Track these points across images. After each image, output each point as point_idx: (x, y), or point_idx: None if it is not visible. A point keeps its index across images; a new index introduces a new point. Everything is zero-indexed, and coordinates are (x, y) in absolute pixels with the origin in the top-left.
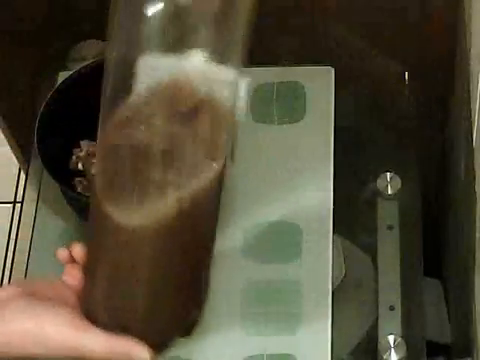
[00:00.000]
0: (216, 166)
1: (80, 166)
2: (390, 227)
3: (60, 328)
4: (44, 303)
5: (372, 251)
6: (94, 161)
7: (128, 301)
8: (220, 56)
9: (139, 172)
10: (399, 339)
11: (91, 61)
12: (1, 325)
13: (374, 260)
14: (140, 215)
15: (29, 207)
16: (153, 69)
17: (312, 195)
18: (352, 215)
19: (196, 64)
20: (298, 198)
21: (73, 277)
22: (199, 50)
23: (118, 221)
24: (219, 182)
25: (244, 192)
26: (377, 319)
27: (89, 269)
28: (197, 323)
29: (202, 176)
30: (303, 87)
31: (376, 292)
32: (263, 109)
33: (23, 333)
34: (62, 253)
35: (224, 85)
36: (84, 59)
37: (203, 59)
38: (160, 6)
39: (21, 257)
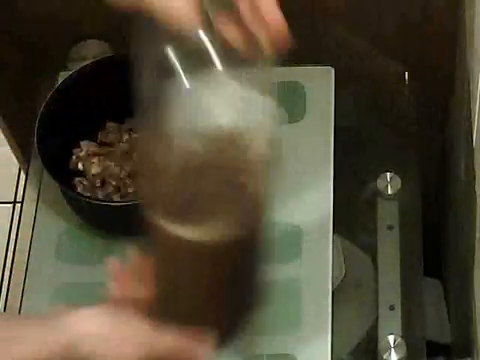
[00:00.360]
0: (263, 191)
1: (80, 166)
2: (390, 227)
3: (137, 328)
4: (111, 308)
5: (372, 251)
6: (94, 161)
7: (190, 305)
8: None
9: (198, 194)
10: (399, 339)
11: (91, 61)
12: (70, 328)
13: (374, 260)
14: (200, 231)
15: (29, 207)
16: (184, 93)
17: (312, 195)
18: (352, 215)
19: (229, 90)
20: (298, 198)
21: (126, 289)
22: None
23: (182, 237)
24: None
25: None
26: (377, 319)
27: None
28: (250, 323)
29: (252, 198)
30: (303, 87)
31: (376, 292)
32: None
33: (95, 335)
34: (114, 266)
35: (258, 108)
36: (84, 59)
37: (234, 84)
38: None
39: (21, 257)
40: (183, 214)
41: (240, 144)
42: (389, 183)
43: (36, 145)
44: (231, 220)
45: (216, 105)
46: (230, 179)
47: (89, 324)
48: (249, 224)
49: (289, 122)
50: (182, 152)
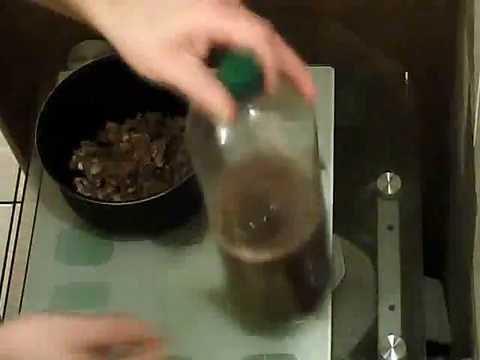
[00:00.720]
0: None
1: (80, 166)
2: (390, 227)
3: (64, 326)
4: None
5: (372, 251)
6: (94, 161)
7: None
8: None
9: (263, 221)
10: (399, 339)
11: (91, 61)
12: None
13: (374, 260)
14: (269, 255)
15: (29, 207)
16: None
17: None
18: (352, 215)
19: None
20: None
21: None
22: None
23: (255, 259)
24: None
25: None
26: (377, 319)
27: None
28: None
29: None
30: None
31: (376, 292)
32: None
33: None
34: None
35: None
36: (84, 59)
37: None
38: None
39: (21, 257)
40: (253, 241)
41: (291, 169)
42: (389, 183)
43: (36, 145)
44: (294, 238)
45: (265, 136)
46: (287, 202)
47: (17, 334)
48: (309, 236)
49: None
50: (243, 185)
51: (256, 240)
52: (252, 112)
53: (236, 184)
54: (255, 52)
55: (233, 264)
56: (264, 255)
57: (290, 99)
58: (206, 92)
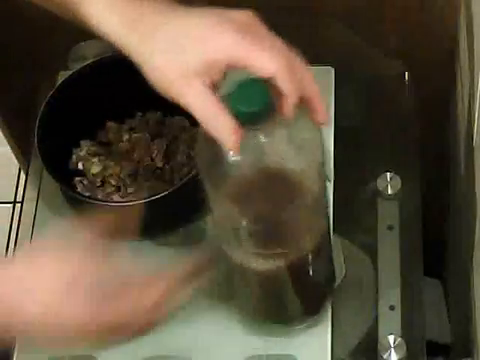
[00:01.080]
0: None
1: (80, 166)
2: (390, 227)
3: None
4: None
5: (372, 251)
6: (94, 161)
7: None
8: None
9: (271, 235)
10: (399, 339)
11: (91, 61)
12: None
13: (374, 260)
14: (275, 264)
15: (29, 207)
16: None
17: None
18: (352, 215)
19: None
20: None
21: None
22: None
23: (261, 268)
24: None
25: None
26: (377, 319)
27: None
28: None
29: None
30: None
31: (376, 292)
32: None
33: None
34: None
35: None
36: (84, 59)
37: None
38: None
39: None
40: (259, 250)
41: (297, 181)
42: (389, 183)
43: (36, 145)
44: (300, 248)
45: (273, 150)
46: (293, 213)
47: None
48: (314, 245)
49: None
50: (251, 197)
51: (262, 250)
52: (260, 128)
53: (244, 196)
54: (275, 81)
55: (238, 271)
56: (270, 264)
57: (298, 114)
58: (215, 121)
